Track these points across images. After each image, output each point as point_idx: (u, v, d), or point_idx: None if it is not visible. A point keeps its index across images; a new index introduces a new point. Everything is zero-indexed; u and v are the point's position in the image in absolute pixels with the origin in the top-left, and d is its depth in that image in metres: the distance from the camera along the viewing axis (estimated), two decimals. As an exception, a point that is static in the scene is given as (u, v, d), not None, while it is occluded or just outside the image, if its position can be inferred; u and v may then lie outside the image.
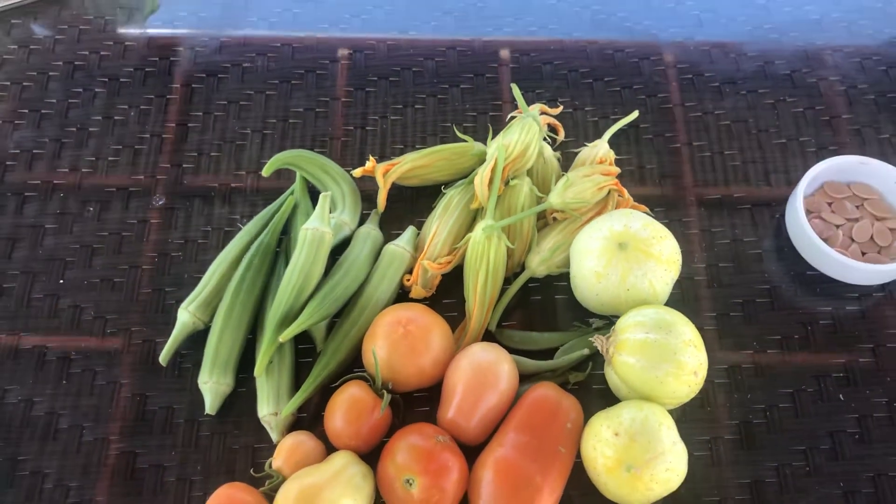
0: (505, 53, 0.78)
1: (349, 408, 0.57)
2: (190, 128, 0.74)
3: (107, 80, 0.77)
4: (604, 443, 0.55)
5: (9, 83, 0.76)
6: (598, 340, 0.59)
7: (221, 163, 0.72)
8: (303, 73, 0.77)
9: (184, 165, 0.72)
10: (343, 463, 0.55)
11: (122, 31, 0.77)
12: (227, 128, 0.74)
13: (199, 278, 0.65)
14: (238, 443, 0.61)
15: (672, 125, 0.75)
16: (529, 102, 0.69)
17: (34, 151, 0.72)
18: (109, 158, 0.72)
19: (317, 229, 0.62)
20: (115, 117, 0.74)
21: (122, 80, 0.76)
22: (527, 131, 0.66)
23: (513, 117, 0.68)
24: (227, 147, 0.73)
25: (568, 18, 0.81)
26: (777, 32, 0.80)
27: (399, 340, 0.59)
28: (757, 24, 0.81)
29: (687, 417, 0.61)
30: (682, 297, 0.66)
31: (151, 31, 0.78)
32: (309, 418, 0.61)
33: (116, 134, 0.74)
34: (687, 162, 0.73)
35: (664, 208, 0.70)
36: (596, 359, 0.63)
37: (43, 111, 0.75)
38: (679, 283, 0.66)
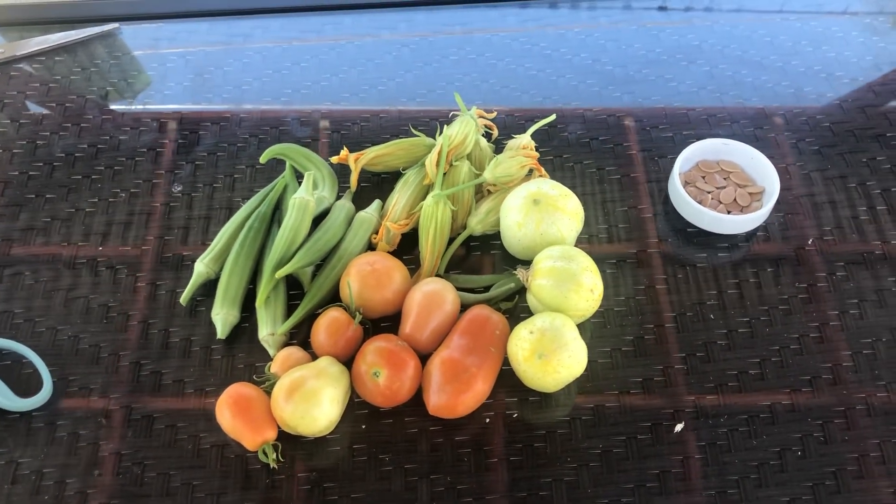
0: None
1: (330, 325, 0.75)
2: (201, 135, 0.94)
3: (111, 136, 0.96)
4: (522, 340, 0.72)
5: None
6: (520, 272, 0.77)
7: (224, 161, 0.91)
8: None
9: (197, 163, 0.91)
10: (326, 363, 0.72)
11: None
12: (229, 133, 0.94)
13: (209, 243, 0.83)
14: (242, 362, 0.77)
15: (583, 125, 0.95)
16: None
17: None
18: (143, 182, 0.91)
19: (303, 198, 0.80)
20: (137, 158, 0.94)
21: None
22: (465, 125, 0.85)
23: (454, 116, 0.88)
24: (231, 148, 0.92)
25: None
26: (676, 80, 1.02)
27: (368, 276, 0.76)
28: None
29: (594, 334, 0.79)
30: (590, 250, 0.85)
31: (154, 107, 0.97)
32: (298, 343, 0.78)
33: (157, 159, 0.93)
34: (597, 150, 0.93)
35: (576, 185, 0.90)
36: (521, 294, 0.81)
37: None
38: (588, 240, 0.85)
